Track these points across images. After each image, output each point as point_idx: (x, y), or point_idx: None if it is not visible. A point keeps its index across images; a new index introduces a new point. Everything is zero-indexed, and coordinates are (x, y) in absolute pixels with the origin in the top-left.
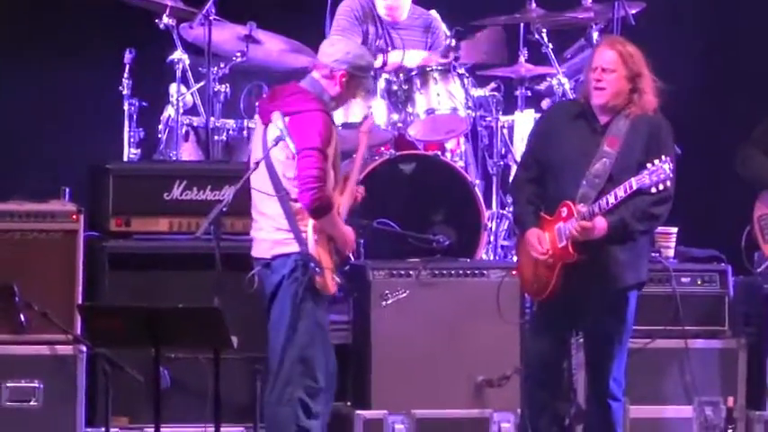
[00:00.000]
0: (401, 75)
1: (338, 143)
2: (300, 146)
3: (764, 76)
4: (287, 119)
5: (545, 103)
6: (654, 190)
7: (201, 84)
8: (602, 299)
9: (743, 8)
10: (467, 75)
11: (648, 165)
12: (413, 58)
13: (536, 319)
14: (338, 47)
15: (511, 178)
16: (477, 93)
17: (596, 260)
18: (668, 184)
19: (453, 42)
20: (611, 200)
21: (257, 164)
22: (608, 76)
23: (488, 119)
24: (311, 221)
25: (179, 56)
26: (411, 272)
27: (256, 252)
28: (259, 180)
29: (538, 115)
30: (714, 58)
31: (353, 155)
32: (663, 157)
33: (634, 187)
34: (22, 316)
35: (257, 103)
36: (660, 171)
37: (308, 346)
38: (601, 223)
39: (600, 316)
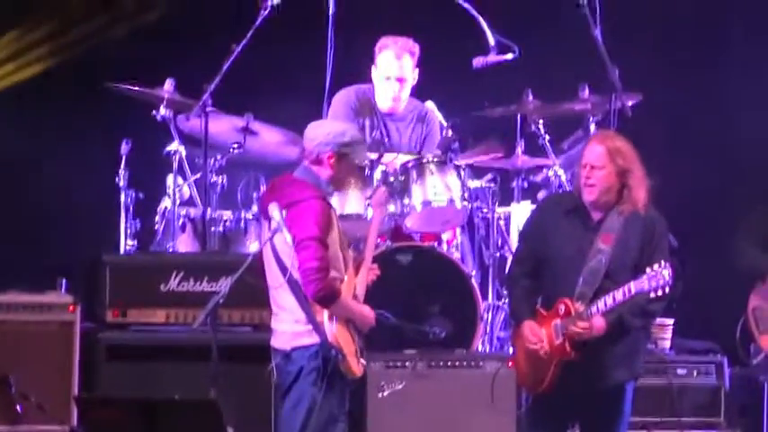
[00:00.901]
0: (398, 166)
1: (340, 228)
2: (299, 237)
3: (760, 168)
4: (284, 211)
5: (541, 195)
6: (652, 295)
7: (198, 175)
8: (598, 393)
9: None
10: (463, 166)
11: (648, 269)
12: (405, 160)
13: (532, 412)
14: (319, 130)
15: (507, 270)
16: (474, 184)
17: (592, 356)
18: (667, 290)
19: (450, 133)
20: (609, 302)
21: (254, 255)
22: (597, 173)
23: (485, 210)
24: (326, 311)
25: (176, 147)
26: (407, 363)
27: (276, 343)
28: (272, 274)
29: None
30: (711, 148)
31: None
32: (662, 262)
33: (633, 292)
34: (18, 407)
35: (257, 199)
36: (659, 277)
37: None
38: (599, 323)
39: (597, 410)
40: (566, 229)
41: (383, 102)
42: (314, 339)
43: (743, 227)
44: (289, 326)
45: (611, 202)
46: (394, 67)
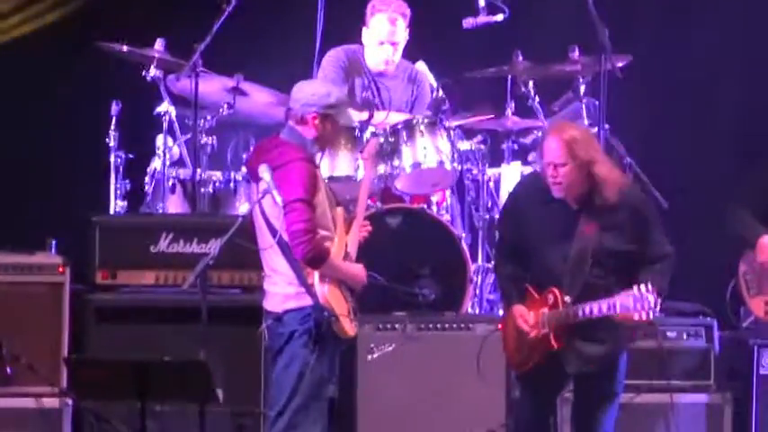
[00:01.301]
0: (387, 127)
1: (327, 187)
2: (285, 199)
3: (750, 133)
4: (272, 173)
5: (531, 156)
6: (636, 317)
7: (188, 135)
8: (587, 372)
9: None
10: (453, 128)
11: (635, 289)
12: (396, 119)
13: (522, 380)
14: (304, 90)
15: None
16: (464, 146)
17: (577, 343)
18: (651, 315)
19: (441, 94)
20: (595, 311)
21: (244, 217)
22: (561, 170)
23: (475, 172)
24: (317, 272)
25: (166, 108)
26: (397, 325)
27: (268, 305)
28: (263, 236)
29: (525, 168)
30: (699, 109)
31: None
32: (649, 285)
33: (617, 310)
34: (8, 368)
35: (245, 161)
36: (645, 300)
37: (312, 397)
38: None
39: (589, 381)
40: (547, 217)
41: (375, 63)
42: (306, 302)
43: (733, 194)
44: (281, 288)
45: (585, 191)
46: (387, 30)
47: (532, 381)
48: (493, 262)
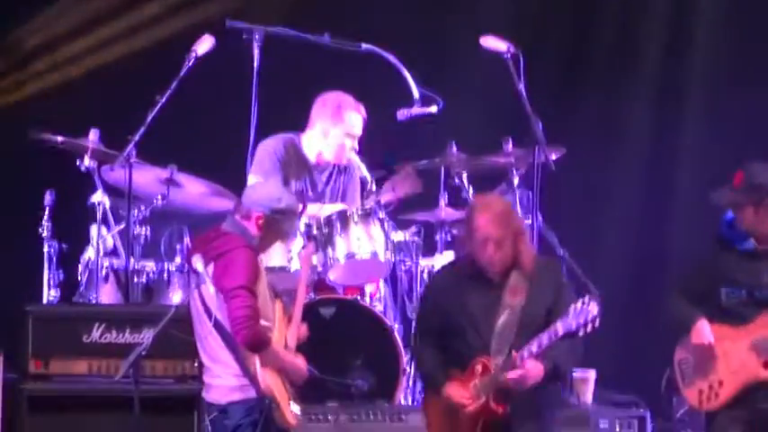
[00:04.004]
0: (322, 218)
1: (268, 278)
2: (228, 286)
3: (688, 220)
4: (212, 264)
5: None
6: (581, 332)
7: (122, 226)
8: None
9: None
10: (387, 218)
11: (572, 307)
12: (330, 210)
13: None
14: (258, 190)
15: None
16: (398, 237)
17: (515, 412)
18: (597, 323)
19: (374, 187)
20: (535, 348)
21: (177, 307)
22: (500, 247)
23: (408, 263)
24: (258, 359)
25: (99, 198)
26: (330, 416)
27: (210, 397)
28: (202, 324)
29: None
30: (633, 201)
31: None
32: (587, 297)
33: (560, 333)
34: None
35: (181, 251)
36: (586, 312)
37: None
38: (537, 369)
39: None
40: (469, 295)
41: (333, 155)
42: (251, 394)
43: (672, 280)
44: (224, 380)
45: (510, 263)
46: (358, 126)
47: None
48: (413, 349)
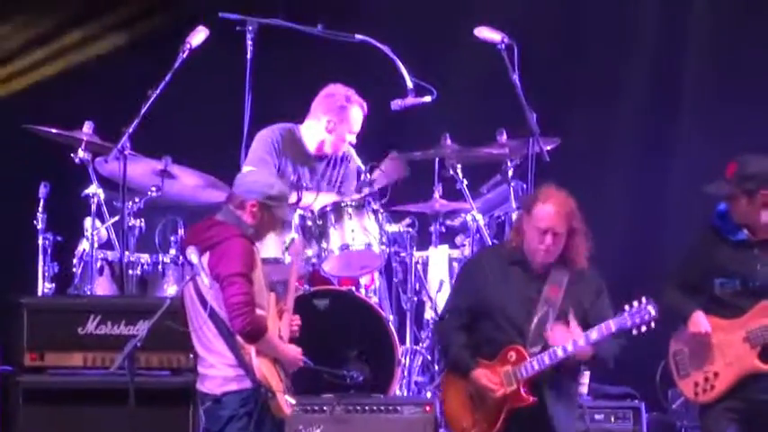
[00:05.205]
0: (316, 210)
1: (263, 269)
2: (224, 274)
3: (683, 210)
4: (207, 254)
5: (459, 239)
6: (635, 331)
7: (116, 218)
8: None
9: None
10: (381, 210)
11: (628, 306)
12: (324, 201)
13: None
14: (250, 178)
15: (430, 319)
16: (392, 228)
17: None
18: (652, 325)
19: (368, 177)
20: (582, 342)
21: (172, 299)
22: (558, 239)
23: (402, 254)
24: (253, 348)
25: (94, 190)
26: (325, 407)
27: (204, 387)
28: (196, 315)
29: (452, 251)
30: (628, 192)
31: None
32: (644, 298)
33: (613, 330)
34: None
35: (175, 243)
36: (644, 312)
37: None
38: (585, 351)
39: None
40: (510, 280)
41: (333, 147)
42: (245, 384)
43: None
44: (219, 371)
45: (557, 258)
46: (360, 122)
47: None
48: (442, 326)
